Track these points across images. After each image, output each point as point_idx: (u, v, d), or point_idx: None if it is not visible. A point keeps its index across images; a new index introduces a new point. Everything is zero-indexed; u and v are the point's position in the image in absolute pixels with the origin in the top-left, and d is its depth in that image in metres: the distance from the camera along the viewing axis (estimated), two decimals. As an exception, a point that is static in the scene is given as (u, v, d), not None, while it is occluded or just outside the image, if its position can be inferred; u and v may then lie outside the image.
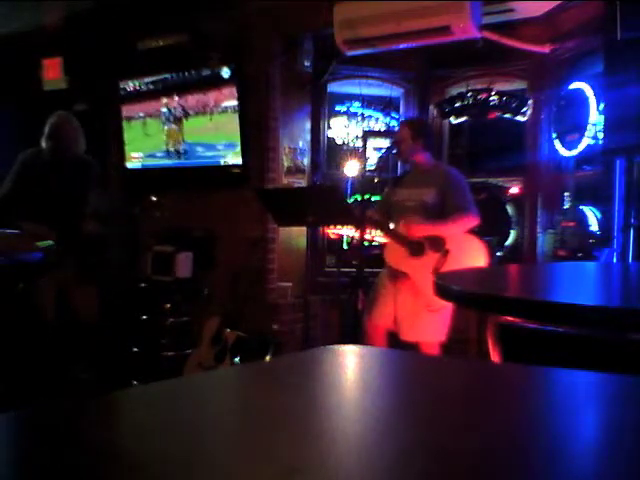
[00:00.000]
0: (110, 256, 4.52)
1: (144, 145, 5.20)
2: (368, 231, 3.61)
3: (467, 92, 4.63)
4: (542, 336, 1.27)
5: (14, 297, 3.80)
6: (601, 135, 3.77)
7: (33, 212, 3.72)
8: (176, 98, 4.96)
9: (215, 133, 4.80)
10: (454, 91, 4.79)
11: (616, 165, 3.71)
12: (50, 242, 3.67)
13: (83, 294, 3.87)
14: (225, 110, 4.70)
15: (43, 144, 3.86)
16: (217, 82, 4.72)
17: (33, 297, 3.80)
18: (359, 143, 4.99)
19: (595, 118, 3.92)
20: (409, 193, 3.56)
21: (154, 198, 4.42)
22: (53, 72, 5.45)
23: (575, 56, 4.19)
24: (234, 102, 4.63)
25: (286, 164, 4.75)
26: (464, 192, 3.49)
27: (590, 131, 3.93)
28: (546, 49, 4.22)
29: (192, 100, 4.88)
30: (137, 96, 5.15)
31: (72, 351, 3.87)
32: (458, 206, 3.41)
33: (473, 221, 3.43)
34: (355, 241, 4.13)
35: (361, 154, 4.77)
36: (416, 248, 3.44)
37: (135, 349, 4.45)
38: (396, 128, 3.94)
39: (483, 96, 4.54)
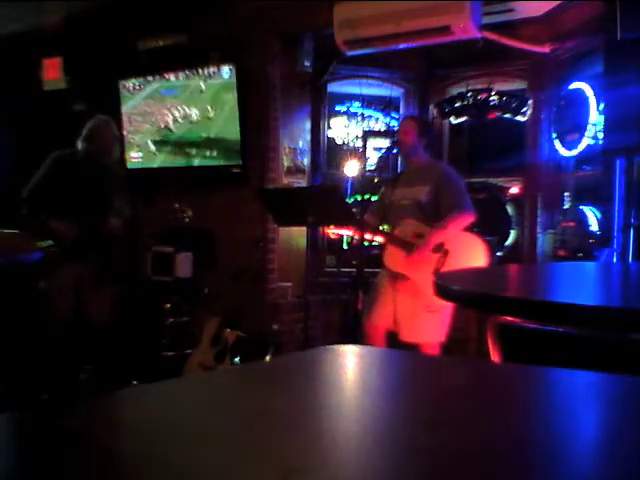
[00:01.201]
0: (127, 256, 4.53)
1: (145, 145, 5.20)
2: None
3: (467, 92, 4.63)
4: (542, 336, 1.27)
5: (22, 297, 3.81)
6: (601, 135, 3.77)
7: (59, 210, 3.74)
8: (176, 98, 4.97)
9: (215, 133, 4.80)
10: (454, 91, 4.79)
11: (616, 165, 3.70)
12: (50, 242, 3.67)
13: (99, 295, 3.87)
14: (225, 109, 4.70)
15: (79, 145, 3.87)
16: (217, 82, 4.72)
17: (50, 296, 3.81)
18: (359, 143, 4.98)
19: (595, 118, 3.92)
20: (404, 192, 3.56)
21: (177, 205, 4.42)
22: (53, 72, 5.45)
23: (575, 56, 4.19)
24: (234, 102, 4.63)
25: (286, 164, 4.75)
26: (459, 189, 3.49)
27: (590, 131, 3.93)
28: (546, 49, 4.22)
29: (192, 100, 4.89)
30: (138, 96, 5.15)
31: (80, 351, 3.87)
32: (453, 204, 3.41)
33: (469, 218, 3.42)
34: (355, 241, 4.12)
35: (361, 154, 4.76)
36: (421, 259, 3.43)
37: (135, 349, 4.45)
38: (401, 121, 3.94)
39: (483, 96, 4.54)
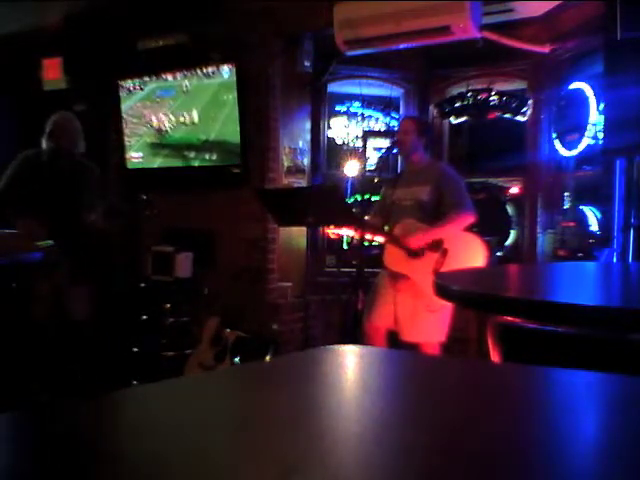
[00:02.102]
0: (109, 255, 4.51)
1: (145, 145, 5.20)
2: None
3: (467, 92, 4.63)
4: (542, 336, 1.27)
5: (10, 297, 3.79)
6: (601, 135, 3.77)
7: (28, 210, 3.72)
8: (176, 98, 4.97)
9: (215, 133, 4.80)
10: (454, 91, 4.79)
11: (616, 165, 3.70)
12: (50, 242, 3.67)
13: (78, 293, 3.86)
14: (225, 109, 4.70)
15: (43, 143, 3.86)
16: (217, 82, 4.73)
17: (27, 296, 3.79)
18: (359, 143, 4.99)
19: (595, 118, 3.92)
20: (405, 192, 3.57)
21: (144, 196, 4.40)
22: (53, 72, 5.44)
23: (575, 56, 4.19)
24: (234, 102, 4.63)
25: (286, 164, 4.75)
26: (459, 189, 3.49)
27: (590, 131, 3.93)
28: (546, 49, 4.22)
29: (192, 100, 4.89)
30: (138, 96, 5.16)
31: (66, 351, 3.86)
32: (453, 204, 3.41)
33: (469, 218, 3.43)
34: (355, 241, 4.12)
35: (361, 154, 4.77)
36: (414, 250, 3.44)
37: (135, 349, 4.45)
38: (401, 121, 3.95)
39: (483, 96, 4.54)
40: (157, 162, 5.15)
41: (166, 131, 5.05)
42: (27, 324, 3.77)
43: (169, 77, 4.99)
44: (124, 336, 4.49)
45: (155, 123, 5.10)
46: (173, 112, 5.00)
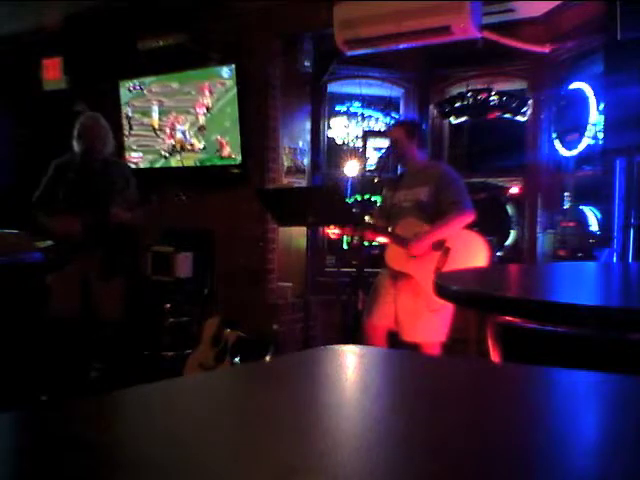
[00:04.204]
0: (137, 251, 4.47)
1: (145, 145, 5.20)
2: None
3: (467, 92, 4.63)
4: (542, 336, 1.27)
5: (22, 297, 3.79)
6: (601, 135, 3.77)
7: (64, 211, 3.73)
8: (176, 98, 4.97)
9: (215, 132, 4.81)
10: (454, 91, 4.79)
11: (616, 165, 3.70)
12: (50, 242, 3.66)
13: (109, 290, 3.83)
14: (225, 110, 4.71)
15: (74, 146, 3.87)
16: (217, 82, 4.73)
17: (55, 292, 3.79)
18: (359, 143, 4.99)
19: (595, 118, 3.92)
20: (405, 194, 3.57)
21: (182, 194, 4.41)
22: (53, 72, 5.45)
23: (575, 56, 4.19)
24: (234, 102, 4.63)
25: (286, 164, 4.75)
26: (458, 188, 3.49)
27: (590, 131, 3.93)
28: (546, 49, 4.22)
29: (192, 100, 4.89)
30: (138, 96, 5.16)
31: (90, 349, 3.84)
32: (453, 203, 3.41)
33: (468, 217, 3.42)
34: (355, 241, 4.12)
35: (361, 154, 4.77)
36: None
37: (135, 349, 4.45)
38: (390, 130, 3.94)
39: (483, 96, 4.54)
40: (157, 162, 5.15)
41: (165, 131, 5.05)
42: (28, 323, 3.77)
43: (169, 77, 4.99)
44: (133, 334, 4.44)
45: (154, 123, 5.09)
46: (172, 112, 4.99)
